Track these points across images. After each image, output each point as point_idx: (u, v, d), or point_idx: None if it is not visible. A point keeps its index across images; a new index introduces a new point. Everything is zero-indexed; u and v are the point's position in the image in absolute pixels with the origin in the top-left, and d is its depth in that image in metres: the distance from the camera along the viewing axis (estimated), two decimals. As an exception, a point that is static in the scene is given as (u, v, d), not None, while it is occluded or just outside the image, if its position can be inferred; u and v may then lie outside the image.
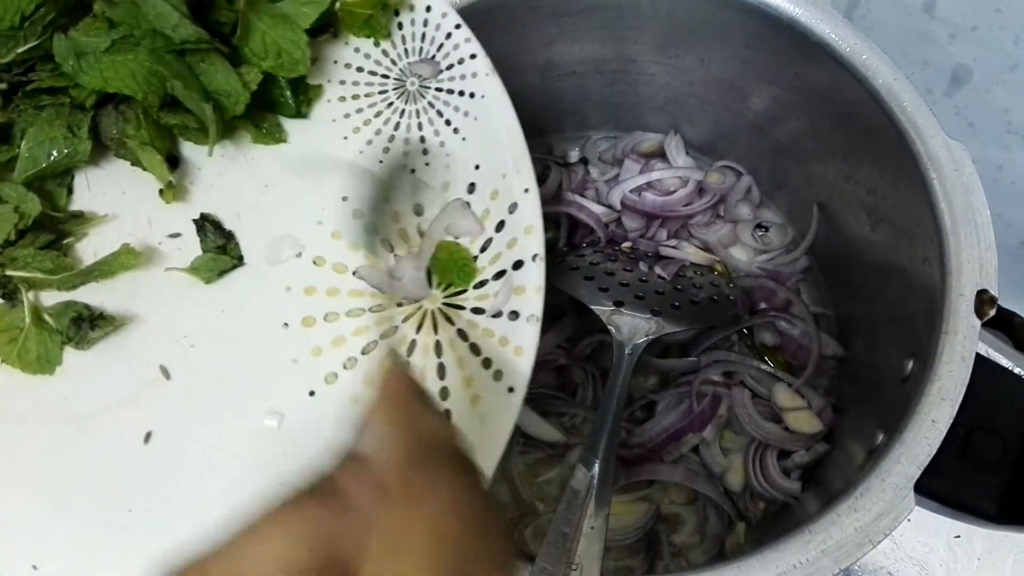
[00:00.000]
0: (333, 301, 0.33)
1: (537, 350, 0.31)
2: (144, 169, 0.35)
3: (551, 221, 0.62)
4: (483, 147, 0.35)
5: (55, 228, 0.35)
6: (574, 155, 0.66)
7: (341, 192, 0.35)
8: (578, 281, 0.53)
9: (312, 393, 0.31)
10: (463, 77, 0.37)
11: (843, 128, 0.50)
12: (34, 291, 0.33)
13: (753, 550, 0.36)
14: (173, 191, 0.35)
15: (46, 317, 0.33)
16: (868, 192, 0.50)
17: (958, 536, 0.54)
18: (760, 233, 0.62)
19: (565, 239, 0.61)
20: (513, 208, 0.33)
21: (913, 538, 0.55)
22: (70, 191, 0.36)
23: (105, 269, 0.34)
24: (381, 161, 0.36)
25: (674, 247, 0.59)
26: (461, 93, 0.37)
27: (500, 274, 0.33)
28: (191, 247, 0.34)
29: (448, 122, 0.36)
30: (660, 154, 0.63)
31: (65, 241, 0.35)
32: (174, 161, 0.36)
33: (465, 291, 0.33)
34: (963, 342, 0.39)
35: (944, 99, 0.67)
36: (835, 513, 0.36)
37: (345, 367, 0.32)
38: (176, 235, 0.35)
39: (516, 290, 0.32)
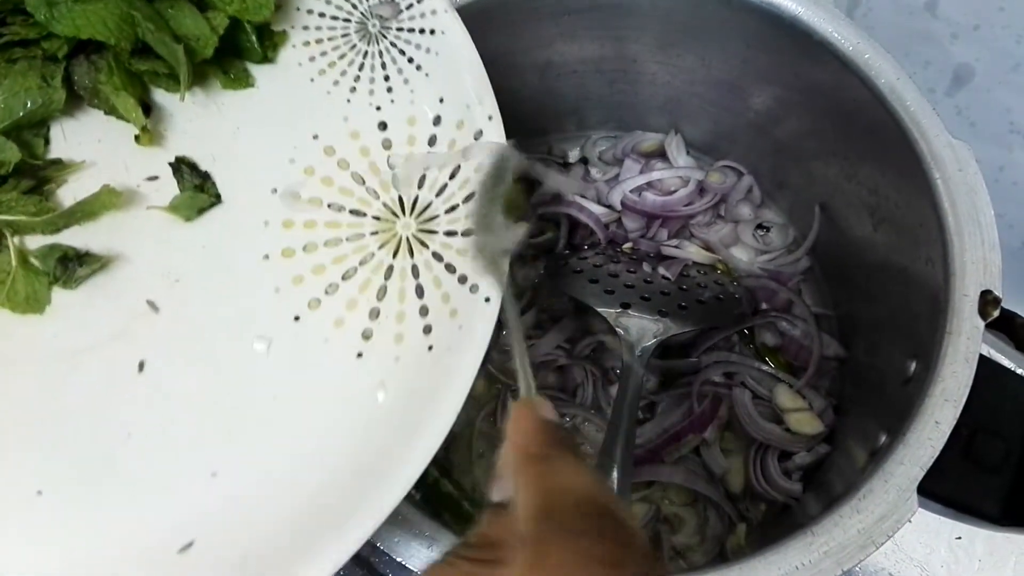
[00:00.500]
0: (310, 232, 0.35)
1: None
2: (118, 117, 0.36)
3: (551, 222, 0.61)
4: (446, 81, 0.37)
5: (36, 175, 0.36)
6: (574, 155, 0.66)
7: (311, 131, 0.36)
8: (583, 284, 0.53)
9: (297, 318, 0.33)
10: (423, 15, 0.38)
11: (845, 128, 0.50)
12: (19, 236, 0.34)
13: (755, 551, 0.35)
14: (148, 135, 0.36)
15: (32, 260, 0.34)
16: (870, 192, 0.50)
17: (959, 537, 0.54)
18: (761, 233, 0.62)
19: (565, 240, 0.61)
20: (479, 135, 0.35)
21: (914, 539, 0.55)
22: (47, 142, 0.37)
23: (87, 210, 0.35)
24: (348, 100, 0.37)
25: (676, 247, 0.59)
26: (422, 31, 0.38)
27: (469, 197, 0.35)
28: (169, 189, 0.36)
29: (411, 60, 0.38)
30: (660, 154, 0.63)
31: (46, 187, 0.36)
32: (146, 109, 0.37)
33: (437, 217, 0.35)
34: (967, 343, 0.38)
35: (945, 99, 0.67)
36: (838, 514, 0.36)
37: (327, 292, 0.34)
38: (153, 178, 0.36)
39: None
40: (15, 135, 0.35)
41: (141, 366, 0.32)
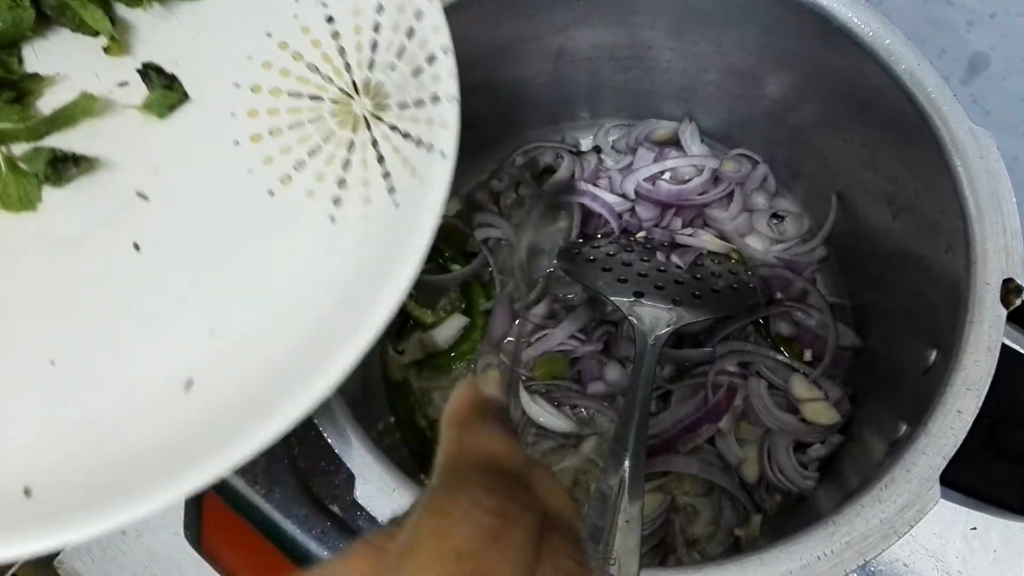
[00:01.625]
0: (274, 119, 0.38)
1: (460, 123, 0.36)
2: (85, 32, 0.39)
3: (564, 211, 0.61)
4: None
5: (16, 87, 0.39)
6: (587, 143, 0.66)
7: (264, 30, 0.40)
8: (596, 273, 0.53)
9: (271, 193, 0.37)
10: None
11: (863, 115, 0.49)
12: (5, 144, 0.38)
13: (776, 541, 0.35)
14: (117, 44, 0.39)
15: (20, 164, 0.37)
16: (888, 180, 0.49)
17: (974, 528, 0.54)
18: (776, 222, 0.61)
19: (578, 229, 0.60)
20: (419, 15, 0.38)
21: (929, 530, 0.54)
22: (20, 61, 0.40)
23: (68, 115, 0.38)
24: (297, 1, 0.40)
25: (690, 236, 0.59)
26: None
27: (417, 71, 0.37)
28: (139, 93, 0.39)
29: None
30: (674, 142, 0.62)
31: (25, 99, 0.39)
32: (111, 22, 0.40)
33: (391, 95, 0.38)
34: (989, 331, 0.38)
35: (960, 87, 0.66)
36: (859, 504, 0.36)
37: (296, 169, 0.37)
38: (124, 84, 0.39)
39: (433, 79, 0.36)
40: None
41: (136, 246, 0.36)
